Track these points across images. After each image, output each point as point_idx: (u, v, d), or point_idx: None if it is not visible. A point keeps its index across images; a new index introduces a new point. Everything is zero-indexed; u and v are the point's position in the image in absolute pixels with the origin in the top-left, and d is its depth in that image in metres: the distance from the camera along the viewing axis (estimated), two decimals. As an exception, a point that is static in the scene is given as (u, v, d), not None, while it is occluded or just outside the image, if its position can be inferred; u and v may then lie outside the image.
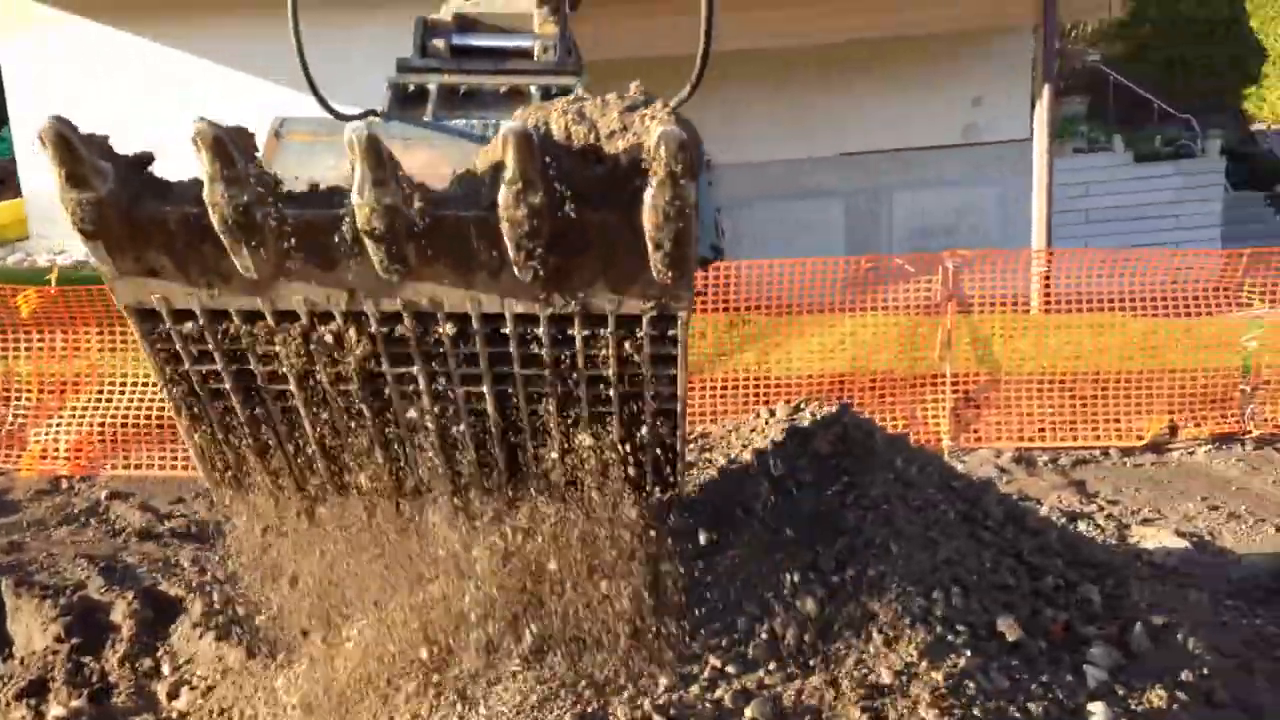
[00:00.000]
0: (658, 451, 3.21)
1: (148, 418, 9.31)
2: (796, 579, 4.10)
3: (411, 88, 2.90)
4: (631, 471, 3.22)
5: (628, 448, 3.15)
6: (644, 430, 3.11)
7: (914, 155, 16.07)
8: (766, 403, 7.97)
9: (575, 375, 2.93)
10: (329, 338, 2.84)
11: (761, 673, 3.62)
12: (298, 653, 4.91)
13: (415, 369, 2.93)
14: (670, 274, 2.57)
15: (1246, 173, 20.88)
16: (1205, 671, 4.05)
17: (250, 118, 2.75)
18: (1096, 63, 25.85)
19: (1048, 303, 10.77)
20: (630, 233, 2.52)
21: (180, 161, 2.65)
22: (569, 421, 3.08)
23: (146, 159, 2.61)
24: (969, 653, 3.88)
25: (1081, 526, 7.41)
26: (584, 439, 3.11)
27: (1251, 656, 4.63)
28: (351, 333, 2.82)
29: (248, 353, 2.89)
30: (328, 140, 2.94)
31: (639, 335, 2.81)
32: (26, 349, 9.67)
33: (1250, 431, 9.36)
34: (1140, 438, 9.31)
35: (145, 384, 9.44)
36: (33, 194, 14.97)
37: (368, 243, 2.52)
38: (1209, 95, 24.92)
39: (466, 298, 2.69)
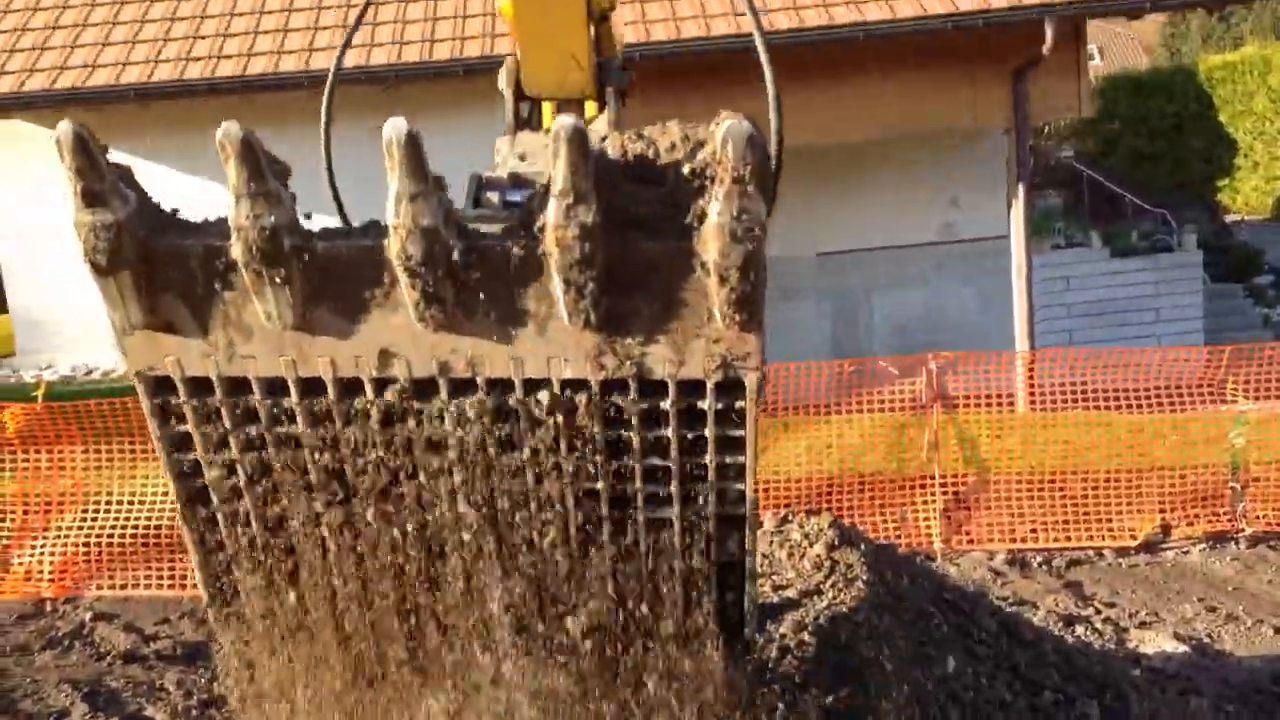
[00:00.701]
0: (722, 578, 2.73)
1: (133, 537, 9.20)
2: (789, 701, 4.04)
3: None
4: (693, 606, 2.73)
5: (688, 568, 2.68)
6: (708, 543, 2.64)
7: (893, 254, 16.27)
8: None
9: (628, 464, 2.53)
10: (357, 414, 2.51)
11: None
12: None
13: (449, 457, 2.55)
14: (739, 316, 2.25)
15: (1223, 265, 21.18)
16: (1209, 790, 3.99)
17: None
18: (1069, 159, 26.40)
19: (1033, 401, 10.82)
20: (692, 267, 2.23)
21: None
22: (620, 529, 2.64)
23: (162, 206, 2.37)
24: (969, 777, 3.82)
25: (1079, 630, 7.35)
26: (637, 554, 2.65)
27: (1255, 769, 4.57)
28: (378, 409, 2.49)
29: (266, 436, 2.58)
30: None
31: (702, 410, 2.43)
32: (11, 468, 9.58)
33: (1243, 530, 9.33)
34: (1134, 537, 9.28)
35: (130, 502, 9.36)
36: (19, 309, 15.01)
37: (402, 277, 2.26)
38: (1181, 189, 25.41)
39: (509, 357, 2.38)
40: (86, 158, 2.18)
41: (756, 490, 2.62)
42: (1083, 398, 10.19)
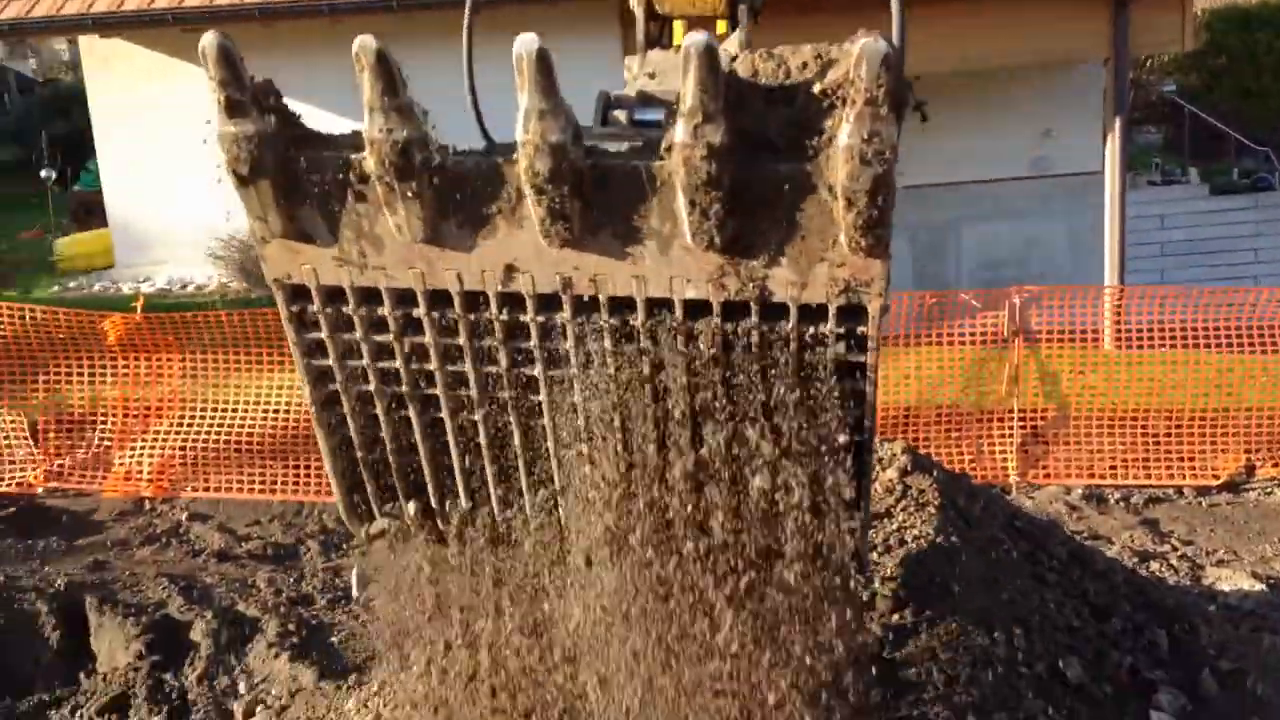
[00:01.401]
0: (838, 507, 2.67)
1: (226, 443, 9.57)
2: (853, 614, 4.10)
3: None
4: (810, 531, 2.66)
5: (803, 497, 2.62)
6: (824, 472, 2.58)
7: (983, 188, 15.97)
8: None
9: (747, 389, 2.51)
10: (482, 326, 2.58)
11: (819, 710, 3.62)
12: (369, 675, 5.05)
13: (571, 371, 2.59)
14: (864, 241, 2.22)
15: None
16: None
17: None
18: (1172, 94, 25.47)
19: (1120, 338, 10.64)
20: (818, 189, 2.21)
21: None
22: (737, 457, 2.61)
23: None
24: (1031, 694, 3.88)
25: (1154, 567, 7.31)
26: (754, 481, 2.61)
27: (1326, 704, 4.55)
28: (502, 322, 2.55)
29: (395, 345, 2.66)
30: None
31: (824, 334, 2.41)
32: (112, 375, 9.99)
33: (1330, 472, 9.15)
34: (1216, 477, 9.14)
35: (224, 409, 9.72)
36: (118, 223, 15.47)
37: (529, 194, 2.28)
38: (1289, 126, 24.40)
39: (632, 276, 2.39)
40: (230, 69, 2.22)
41: (876, 419, 2.58)
42: (1171, 337, 10.00)
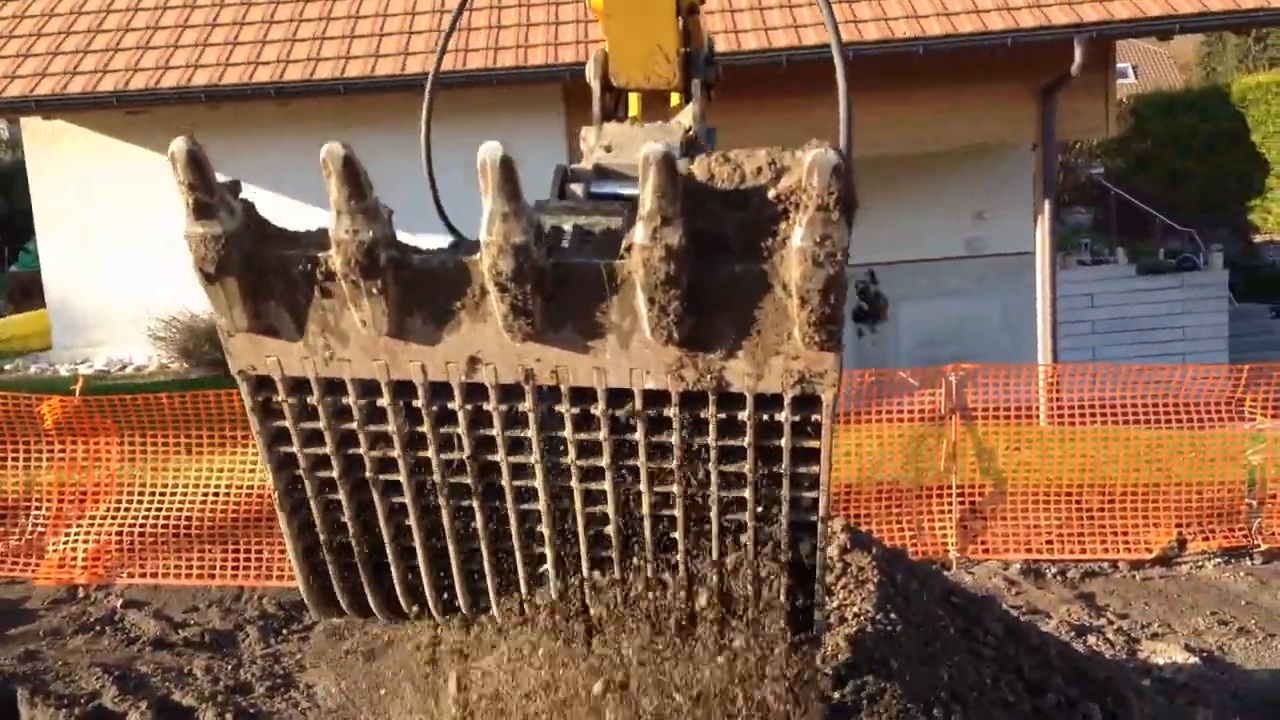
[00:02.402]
0: (792, 581, 2.78)
1: (164, 527, 9.42)
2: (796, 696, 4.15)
3: (547, 228, 2.67)
4: (762, 604, 2.79)
5: (758, 573, 2.75)
6: (778, 550, 2.72)
7: (920, 267, 16.36)
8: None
9: (706, 473, 2.63)
10: (445, 416, 2.66)
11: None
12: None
13: (531, 459, 2.69)
14: (817, 337, 2.33)
15: (1250, 284, 21.12)
16: (1203, 791, 4.08)
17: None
18: (1100, 176, 26.35)
19: (1054, 415, 10.88)
20: (773, 288, 2.32)
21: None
22: (695, 534, 2.74)
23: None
24: (968, 770, 3.92)
25: (1091, 640, 7.42)
26: (710, 559, 2.75)
27: (1254, 775, 4.65)
28: (466, 411, 2.62)
29: (359, 434, 2.71)
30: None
31: (779, 422, 2.52)
32: (48, 459, 9.83)
33: (1258, 545, 9.36)
34: (1149, 550, 9.32)
35: (162, 493, 9.58)
36: (55, 304, 15.31)
37: (492, 291, 2.37)
38: (1212, 208, 25.33)
39: (593, 368, 2.49)
40: (199, 173, 2.27)
41: (829, 500, 2.69)
42: (1103, 413, 10.25)
